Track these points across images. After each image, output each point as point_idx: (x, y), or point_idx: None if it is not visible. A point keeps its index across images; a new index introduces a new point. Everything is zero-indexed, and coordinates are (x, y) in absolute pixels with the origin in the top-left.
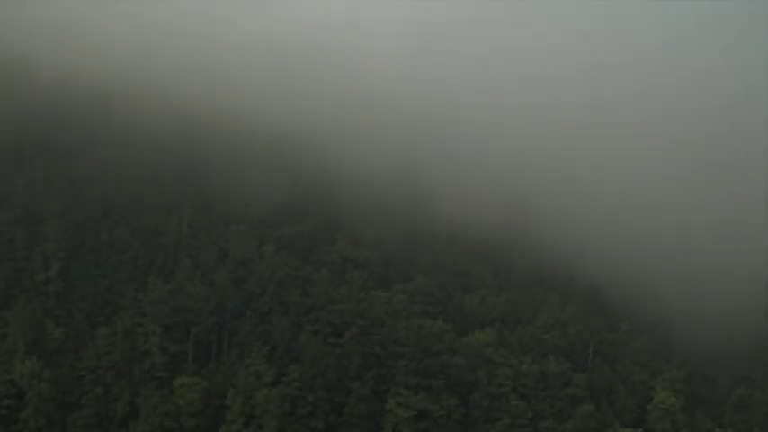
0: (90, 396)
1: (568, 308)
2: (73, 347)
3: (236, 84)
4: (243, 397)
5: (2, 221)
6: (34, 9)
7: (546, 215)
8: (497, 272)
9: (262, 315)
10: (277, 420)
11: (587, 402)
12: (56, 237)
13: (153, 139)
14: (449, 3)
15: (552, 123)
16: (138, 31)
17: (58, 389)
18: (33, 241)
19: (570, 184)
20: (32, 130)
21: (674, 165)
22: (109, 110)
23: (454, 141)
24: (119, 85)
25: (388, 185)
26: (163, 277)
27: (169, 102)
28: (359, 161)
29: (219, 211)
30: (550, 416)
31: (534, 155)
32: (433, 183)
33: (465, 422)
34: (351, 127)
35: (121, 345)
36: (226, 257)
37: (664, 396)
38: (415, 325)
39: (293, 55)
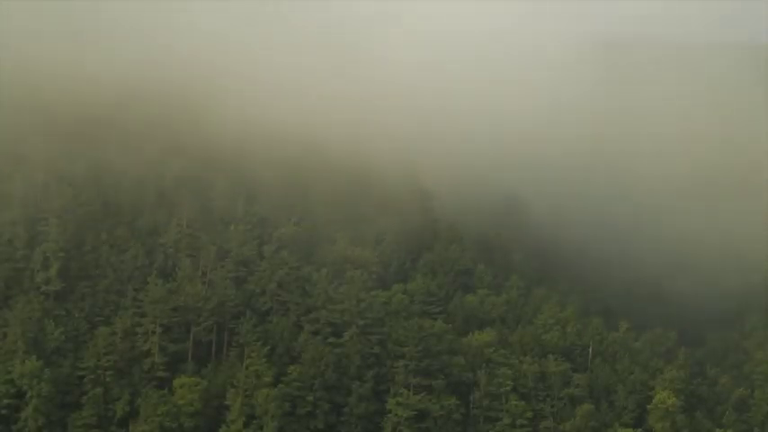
0: (90, 396)
1: (568, 308)
2: (73, 347)
3: (237, 83)
4: (243, 397)
5: (2, 221)
6: (36, 8)
7: (546, 215)
8: (497, 272)
9: (262, 315)
10: (277, 420)
11: (587, 402)
12: (56, 237)
13: (153, 138)
14: (448, 5)
15: (552, 124)
16: (139, 31)
17: (58, 389)
18: (33, 241)
19: (570, 185)
20: (32, 129)
21: (674, 165)
22: (109, 109)
23: (454, 141)
24: (119, 85)
25: (388, 185)
26: (163, 277)
27: (169, 101)
28: (359, 161)
29: (219, 211)
30: (550, 416)
31: (534, 155)
32: (433, 183)
33: (465, 422)
34: (351, 127)
35: (121, 345)
36: (226, 257)
37: (664, 396)
38: (415, 325)
39: (294, 55)
